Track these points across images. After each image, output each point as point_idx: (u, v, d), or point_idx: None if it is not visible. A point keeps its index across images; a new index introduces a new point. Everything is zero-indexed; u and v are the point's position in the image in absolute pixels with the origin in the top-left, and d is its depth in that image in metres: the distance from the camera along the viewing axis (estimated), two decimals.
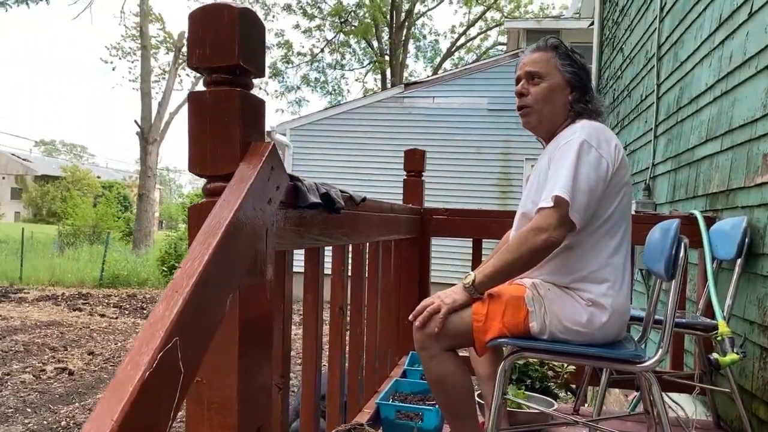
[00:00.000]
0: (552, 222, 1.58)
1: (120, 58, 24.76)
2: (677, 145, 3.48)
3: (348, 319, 1.98)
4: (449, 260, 10.10)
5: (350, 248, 1.92)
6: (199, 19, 1.04)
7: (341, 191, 1.65)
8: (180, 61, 23.08)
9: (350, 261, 1.98)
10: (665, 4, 4.01)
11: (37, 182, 49.17)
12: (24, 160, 53.54)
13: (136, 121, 20.92)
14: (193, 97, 1.05)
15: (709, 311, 2.46)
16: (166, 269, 13.11)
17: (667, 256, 1.63)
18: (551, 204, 1.59)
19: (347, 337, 1.99)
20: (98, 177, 45.58)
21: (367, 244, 2.12)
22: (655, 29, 4.16)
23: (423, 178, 3.03)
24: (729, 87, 2.67)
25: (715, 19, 2.95)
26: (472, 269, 2.99)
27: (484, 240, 2.97)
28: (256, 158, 1.03)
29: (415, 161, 2.99)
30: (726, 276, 2.53)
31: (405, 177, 3.02)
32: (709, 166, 2.90)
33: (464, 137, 11.59)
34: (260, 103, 1.10)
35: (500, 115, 11.31)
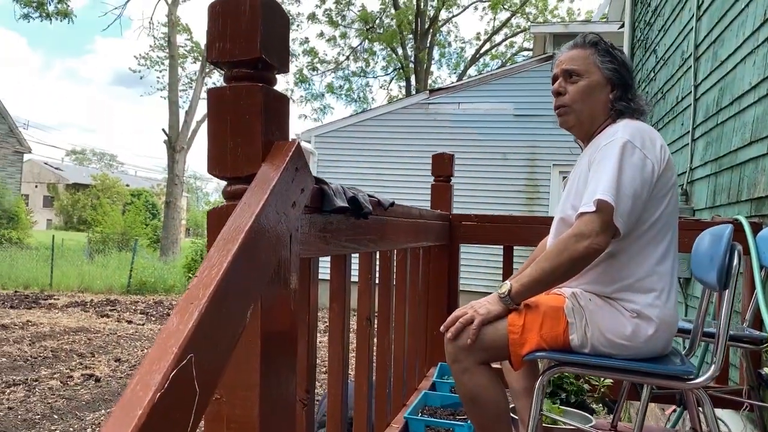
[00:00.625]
0: (594, 228, 1.48)
1: (148, 68, 25.15)
2: (717, 148, 3.34)
3: (375, 329, 1.90)
4: (476, 267, 9.95)
5: (377, 255, 1.84)
6: (219, 10, 0.97)
7: (369, 195, 1.58)
8: (207, 70, 23.39)
9: (378, 268, 1.90)
10: (702, 2, 3.87)
11: (69, 190, 50.19)
12: (56, 168, 54.73)
13: (163, 130, 21.22)
14: (212, 94, 0.98)
15: (757, 322, 2.32)
16: (191, 276, 13.17)
17: (720, 264, 1.51)
18: (593, 208, 1.49)
19: (374, 348, 1.90)
20: (127, 185, 46.34)
21: (395, 251, 2.04)
22: (692, 28, 4.01)
23: (452, 182, 2.94)
24: None
25: (758, 15, 2.81)
26: (503, 277, 2.89)
27: (515, 247, 2.87)
28: (279, 158, 0.95)
29: (443, 165, 2.91)
30: None
31: (433, 182, 2.93)
32: (754, 169, 2.76)
33: (490, 143, 11.45)
34: (284, 100, 1.03)
35: (526, 121, 11.15)
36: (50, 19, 18.94)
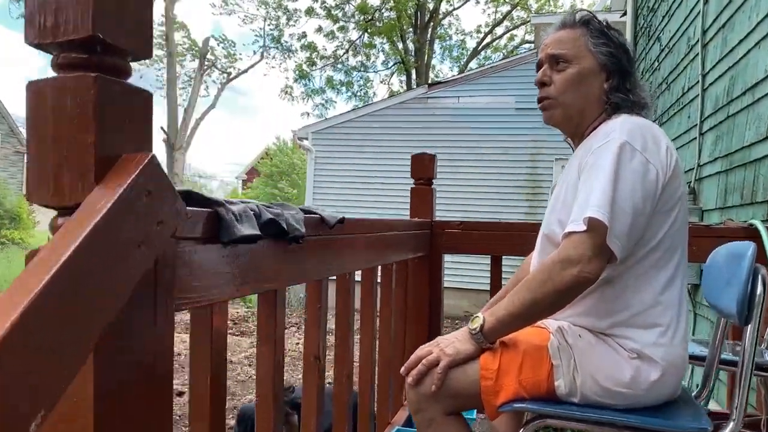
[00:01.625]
0: (585, 252, 1.19)
1: (148, 66, 24.85)
2: (728, 143, 3.03)
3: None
4: (469, 264, 9.65)
5: (329, 280, 1.55)
6: None
7: (310, 212, 1.30)
8: (204, 67, 23.12)
9: (335, 294, 1.62)
10: None
11: None
12: None
13: (162, 128, 21.00)
14: (30, 89, 0.70)
15: None
16: None
17: (741, 293, 1.22)
18: (583, 228, 1.20)
19: (330, 383, 1.62)
20: None
21: (360, 272, 1.75)
22: (699, 12, 3.70)
23: (433, 186, 2.65)
24: None
25: None
26: (491, 292, 2.61)
27: (507, 256, 2.58)
28: (119, 179, 0.67)
29: (423, 167, 2.61)
30: None
31: (413, 185, 2.64)
32: None
33: (491, 137, 11.17)
34: (141, 97, 0.75)
35: (528, 115, 10.82)
36: None
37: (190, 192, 0.89)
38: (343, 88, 23.82)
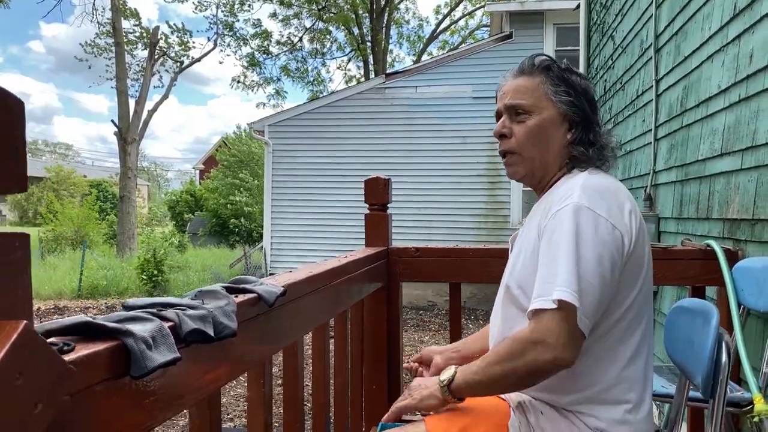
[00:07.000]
0: (560, 339, 1.11)
1: (96, 56, 23.84)
2: (683, 154, 3.02)
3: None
4: None
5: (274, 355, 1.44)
6: None
7: (245, 290, 1.18)
8: (156, 56, 22.37)
9: (282, 364, 1.51)
10: None
11: None
12: None
13: (113, 121, 20.32)
14: None
15: (735, 374, 2.02)
16: (145, 277, 12.59)
17: (706, 366, 1.16)
18: (553, 306, 1.12)
19: None
20: (84, 176, 44.63)
21: (309, 334, 1.64)
22: (651, 16, 3.67)
23: (388, 212, 2.55)
24: (750, 93, 2.20)
25: (727, 8, 2.47)
26: (450, 321, 2.54)
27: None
28: None
29: (378, 192, 2.50)
30: (757, 330, 2.09)
31: (367, 211, 2.54)
32: (725, 185, 2.44)
33: (449, 126, 11.16)
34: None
35: (486, 103, 10.78)
36: None
37: (89, 323, 0.77)
38: (299, 76, 23.42)
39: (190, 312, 0.96)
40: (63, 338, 0.77)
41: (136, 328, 0.83)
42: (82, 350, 0.73)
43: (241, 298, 1.14)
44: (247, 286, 1.20)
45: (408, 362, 1.78)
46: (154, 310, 0.92)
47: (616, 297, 1.19)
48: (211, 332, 0.96)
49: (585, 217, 1.16)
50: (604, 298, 1.16)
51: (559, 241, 1.16)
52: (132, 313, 0.88)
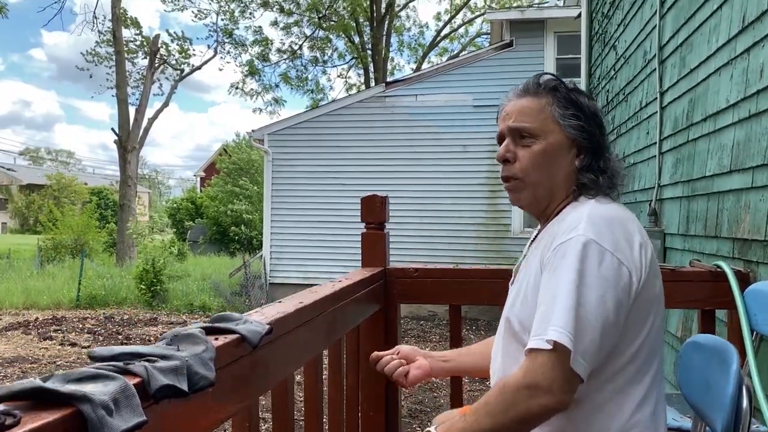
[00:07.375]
0: (555, 382, 1.03)
1: (96, 64, 23.83)
2: (689, 169, 2.93)
3: None
4: None
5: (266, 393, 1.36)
6: None
7: (228, 330, 1.10)
8: (156, 64, 22.36)
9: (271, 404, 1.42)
10: None
11: (23, 192, 48.31)
12: (8, 169, 52.63)
13: (113, 130, 20.30)
14: None
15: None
16: (144, 287, 12.49)
17: (727, 415, 1.08)
18: (548, 347, 1.04)
19: None
20: (85, 183, 44.62)
21: (300, 368, 1.56)
22: (655, 26, 3.60)
23: (386, 230, 2.46)
24: (761, 109, 2.12)
25: (735, 21, 2.39)
26: (451, 343, 2.45)
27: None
28: None
29: (375, 210, 2.42)
30: None
31: (364, 230, 2.45)
32: (735, 203, 2.35)
33: (449, 135, 11.09)
34: None
35: (486, 112, 10.72)
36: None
37: (41, 389, 0.69)
38: (298, 85, 23.39)
39: (161, 364, 0.87)
40: (12, 404, 0.69)
41: (96, 389, 0.74)
42: (29, 423, 0.65)
43: (222, 340, 1.05)
44: (230, 326, 1.12)
45: (376, 353, 1.67)
46: (121, 364, 0.83)
47: (624, 337, 1.11)
48: (184, 386, 0.87)
49: (589, 252, 1.08)
50: (606, 340, 1.07)
51: (560, 277, 1.08)
52: (94, 369, 0.79)
